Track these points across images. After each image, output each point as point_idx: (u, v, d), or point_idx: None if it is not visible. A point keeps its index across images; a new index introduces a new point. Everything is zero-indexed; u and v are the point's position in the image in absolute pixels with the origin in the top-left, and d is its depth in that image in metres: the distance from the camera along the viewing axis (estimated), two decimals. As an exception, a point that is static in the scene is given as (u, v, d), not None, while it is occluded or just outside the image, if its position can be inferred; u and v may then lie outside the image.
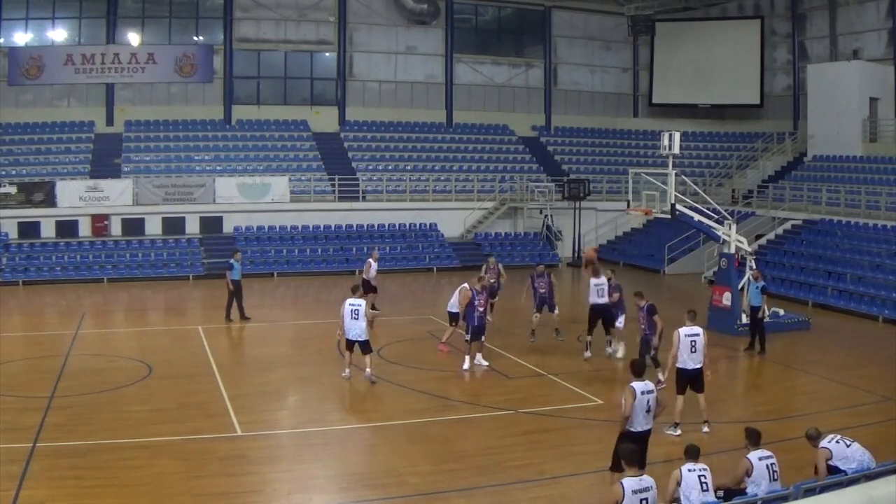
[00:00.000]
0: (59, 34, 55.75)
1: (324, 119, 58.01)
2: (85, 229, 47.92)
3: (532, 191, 53.78)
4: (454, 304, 27.12)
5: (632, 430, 15.01)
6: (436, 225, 52.13)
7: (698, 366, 19.31)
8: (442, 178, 54.92)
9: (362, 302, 23.23)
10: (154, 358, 26.76)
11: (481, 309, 25.00)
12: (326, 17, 58.26)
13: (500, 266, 33.18)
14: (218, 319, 33.00)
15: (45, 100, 54.48)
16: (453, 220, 52.56)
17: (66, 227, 47.56)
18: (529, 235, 53.52)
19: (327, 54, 59.39)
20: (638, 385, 15.26)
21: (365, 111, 59.19)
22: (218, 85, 56.65)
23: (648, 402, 15.23)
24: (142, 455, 17.97)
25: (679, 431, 19.22)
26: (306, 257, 48.02)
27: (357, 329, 22.87)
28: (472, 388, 22.27)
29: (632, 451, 12.54)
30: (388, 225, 51.59)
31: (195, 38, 57.36)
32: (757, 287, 28.42)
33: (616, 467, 14.53)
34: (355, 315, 22.86)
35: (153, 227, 48.79)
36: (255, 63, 58.21)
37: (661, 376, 22.00)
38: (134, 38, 55.23)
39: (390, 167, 55.58)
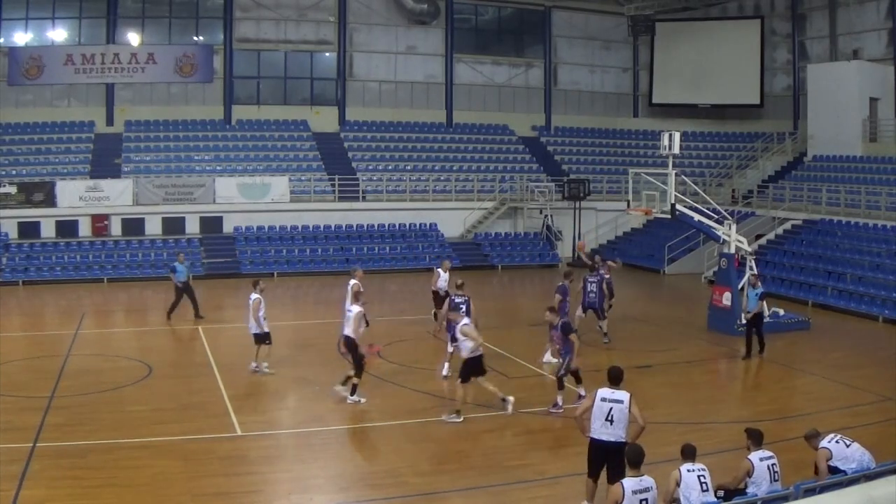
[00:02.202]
0: (59, 34, 55.75)
1: (324, 119, 58.02)
2: (85, 229, 47.93)
3: (532, 191, 53.78)
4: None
5: (592, 436, 14.72)
6: (436, 225, 52.15)
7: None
8: (442, 178, 54.95)
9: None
10: (154, 358, 26.78)
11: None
12: (326, 17, 58.27)
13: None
14: (218, 319, 33.06)
15: (45, 100, 54.47)
16: (453, 220, 52.60)
17: (66, 227, 47.57)
18: (529, 235, 53.53)
19: (327, 54, 59.39)
20: (602, 391, 14.70)
21: (365, 111, 59.20)
22: (218, 85, 56.65)
23: (611, 410, 14.44)
24: (142, 455, 17.98)
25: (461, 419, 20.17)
26: (306, 257, 48.01)
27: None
28: (472, 388, 22.25)
29: (637, 452, 12.53)
30: (388, 225, 51.62)
31: (195, 38, 57.35)
32: (756, 293, 27.95)
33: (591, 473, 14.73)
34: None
35: (153, 227, 48.82)
36: (255, 63, 58.20)
37: (581, 391, 21.48)
38: (134, 38, 55.23)
39: (390, 167, 55.59)
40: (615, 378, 14.79)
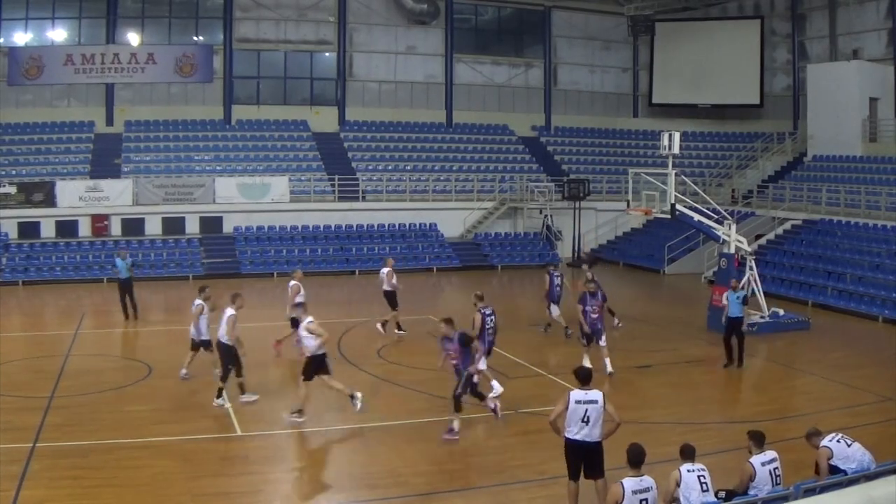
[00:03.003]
0: (58, 34, 55.78)
1: (323, 119, 58.03)
2: (85, 229, 47.95)
3: (532, 191, 53.79)
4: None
5: (567, 437, 14.69)
6: (436, 225, 52.16)
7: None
8: (442, 178, 54.96)
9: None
10: (154, 358, 26.77)
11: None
12: (326, 17, 58.30)
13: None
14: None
15: (44, 100, 54.48)
16: (453, 220, 52.62)
17: (66, 227, 47.59)
18: (529, 235, 53.53)
19: (327, 54, 59.41)
20: (575, 393, 14.62)
21: (365, 111, 59.21)
22: (218, 85, 56.66)
23: (587, 411, 14.40)
24: (142, 455, 18.00)
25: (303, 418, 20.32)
26: (306, 257, 47.98)
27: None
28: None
29: (639, 451, 12.56)
30: (388, 225, 51.63)
31: (195, 38, 57.36)
32: (737, 297, 27.08)
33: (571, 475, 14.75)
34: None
35: (153, 227, 48.84)
36: (254, 63, 58.21)
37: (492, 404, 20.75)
38: (134, 38, 55.25)
39: (390, 167, 55.60)
40: (585, 378, 14.77)
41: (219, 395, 21.62)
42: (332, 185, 52.25)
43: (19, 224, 47.02)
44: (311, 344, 20.23)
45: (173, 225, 49.06)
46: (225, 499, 16.12)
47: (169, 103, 55.92)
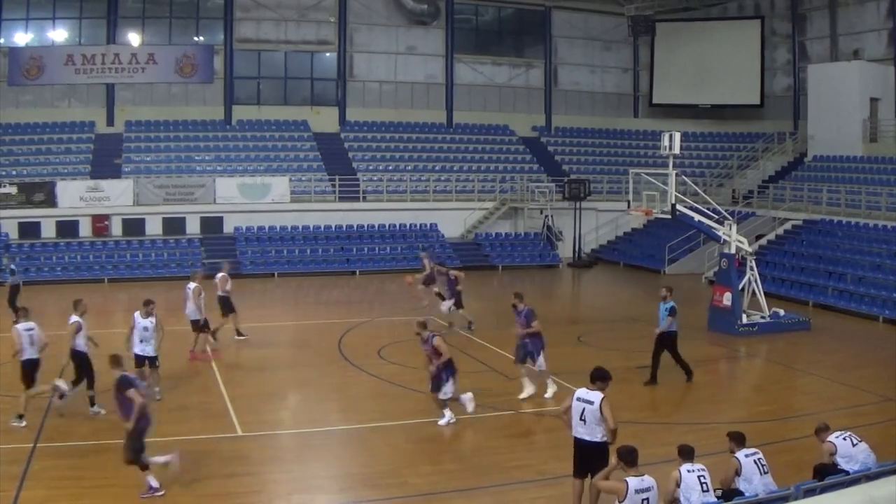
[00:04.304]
0: (59, 34, 55.82)
1: (324, 119, 58.02)
2: (85, 229, 47.98)
3: (532, 191, 53.77)
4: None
5: (573, 434, 14.66)
6: (436, 225, 52.14)
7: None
8: (442, 178, 54.93)
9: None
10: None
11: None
12: (327, 17, 58.30)
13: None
14: (217, 319, 32.99)
15: (45, 100, 54.50)
16: (454, 221, 52.58)
17: (67, 228, 47.62)
18: (530, 236, 53.47)
19: (327, 54, 59.40)
20: (579, 391, 14.66)
21: (365, 111, 59.18)
22: (218, 85, 56.66)
23: (584, 411, 14.39)
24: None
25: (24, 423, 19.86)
26: (307, 258, 48.01)
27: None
28: (473, 388, 22.20)
29: (630, 451, 12.56)
30: (389, 225, 51.59)
31: (195, 39, 57.35)
32: (666, 308, 24.52)
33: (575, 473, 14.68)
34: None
35: (154, 228, 48.86)
36: (255, 63, 58.23)
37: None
38: (134, 38, 55.29)
39: (391, 167, 55.59)
40: (592, 378, 14.72)
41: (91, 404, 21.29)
42: (333, 186, 52.25)
43: (20, 224, 47.02)
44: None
45: (174, 225, 49.07)
46: (226, 499, 16.11)
47: (169, 103, 55.93)
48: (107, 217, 48.24)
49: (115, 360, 17.22)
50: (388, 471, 17.42)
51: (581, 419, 14.39)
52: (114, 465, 17.17)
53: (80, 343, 21.02)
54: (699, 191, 37.44)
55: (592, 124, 63.51)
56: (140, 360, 21.91)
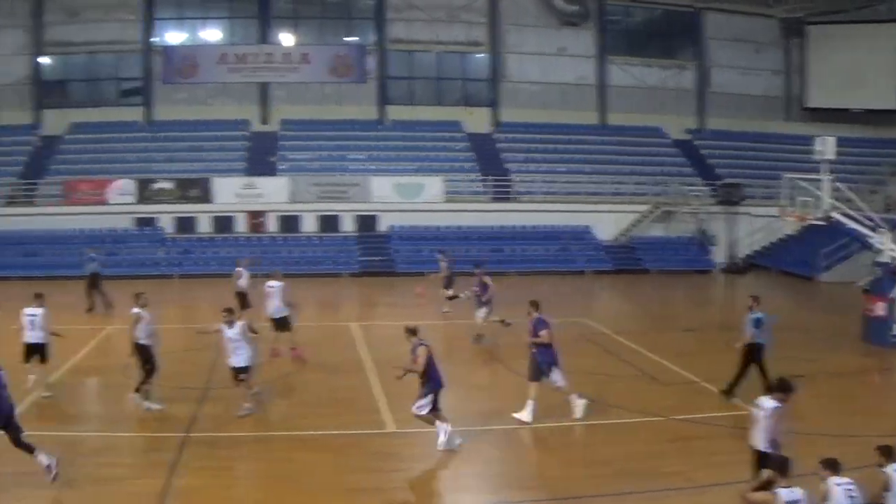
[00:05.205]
0: (212, 34, 57.17)
1: (477, 120, 57.94)
2: (241, 225, 48.70)
3: (685, 194, 52.75)
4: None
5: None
6: (589, 227, 51.44)
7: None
8: (595, 180, 54.19)
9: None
10: (307, 352, 26.81)
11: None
12: (477, 18, 58.15)
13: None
14: (371, 316, 33.06)
15: (199, 98, 55.79)
16: (606, 223, 51.75)
17: (223, 223, 48.45)
18: (683, 240, 52.43)
19: (479, 55, 59.28)
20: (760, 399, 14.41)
21: (517, 112, 58.78)
22: (371, 85, 57.14)
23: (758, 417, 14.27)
24: (292, 448, 18.04)
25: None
26: (459, 257, 47.64)
27: None
28: (625, 393, 21.67)
29: (782, 461, 12.15)
30: (542, 226, 50.99)
31: (348, 39, 57.83)
32: (752, 318, 22.53)
33: None
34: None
35: (309, 225, 49.47)
36: (407, 63, 58.55)
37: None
38: (287, 37, 56.14)
39: (543, 168, 55.02)
40: (772, 388, 14.61)
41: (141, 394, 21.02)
42: (486, 186, 52.03)
43: (175, 219, 48.04)
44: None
45: (329, 223, 49.58)
46: (373, 494, 16.01)
47: (323, 103, 56.57)
48: (262, 213, 48.94)
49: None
50: (538, 473, 17.17)
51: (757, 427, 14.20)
52: (264, 457, 17.22)
53: (142, 335, 20.77)
54: (853, 197, 36.16)
55: (743, 127, 61.58)
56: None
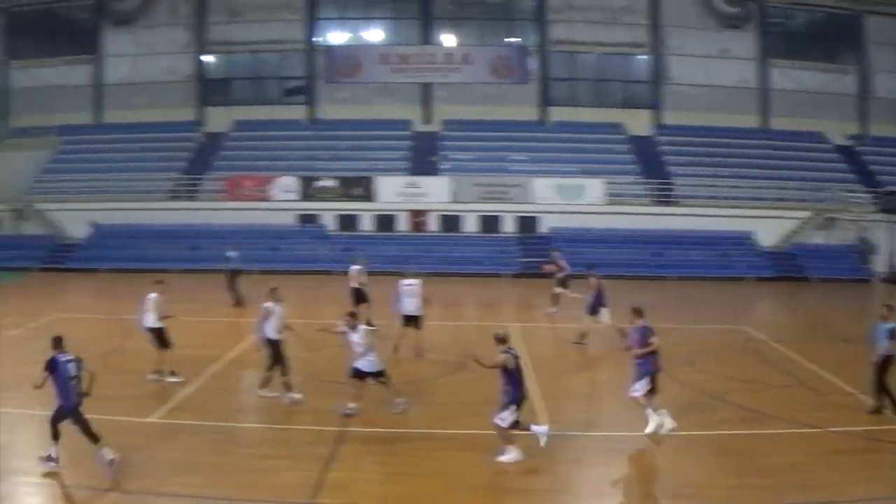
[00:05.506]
0: (374, 34, 57.97)
1: (638, 122, 57.58)
2: (403, 224, 49.24)
3: (846, 201, 51.20)
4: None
5: None
6: (750, 233, 50.49)
7: None
8: (756, 184, 53.11)
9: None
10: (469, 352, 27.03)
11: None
12: (638, 19, 57.76)
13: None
14: (532, 318, 33.01)
15: (362, 97, 56.72)
16: (767, 229, 50.69)
17: (385, 221, 49.07)
18: (844, 248, 50.93)
19: (640, 57, 58.87)
20: None
21: (678, 115, 58.17)
22: (533, 86, 57.33)
23: None
24: (447, 446, 18.16)
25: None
26: (619, 260, 47.39)
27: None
28: (783, 403, 21.24)
29: None
30: (702, 231, 50.16)
31: (510, 40, 57.95)
32: (887, 329, 20.91)
33: None
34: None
35: (470, 225, 49.83)
36: (568, 64, 58.52)
37: None
38: (448, 38, 56.56)
39: (705, 172, 54.21)
40: None
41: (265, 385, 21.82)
42: (647, 189, 51.58)
43: (338, 217, 48.84)
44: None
45: (490, 223, 49.86)
46: (526, 495, 16.05)
47: (484, 103, 56.91)
48: (424, 213, 49.43)
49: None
50: (689, 481, 16.81)
51: None
52: (419, 454, 17.35)
53: (270, 330, 21.29)
54: None
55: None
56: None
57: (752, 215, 50.92)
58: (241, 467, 16.85)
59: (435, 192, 50.12)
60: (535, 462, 17.50)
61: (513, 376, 17.32)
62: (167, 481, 16.07)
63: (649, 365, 19.43)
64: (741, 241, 50.19)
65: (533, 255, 46.33)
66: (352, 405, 19.90)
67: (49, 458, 16.26)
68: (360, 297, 31.13)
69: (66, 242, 51.68)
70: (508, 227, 50.31)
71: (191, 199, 52.43)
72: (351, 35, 58.95)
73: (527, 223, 50.21)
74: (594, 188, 50.70)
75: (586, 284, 29.50)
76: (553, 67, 57.83)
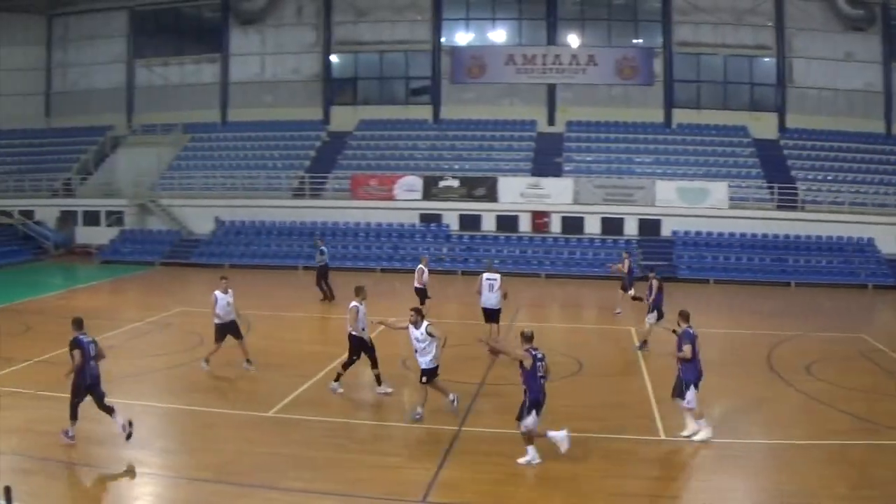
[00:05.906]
0: (499, 35, 58.23)
1: (763, 125, 56.78)
2: (525, 225, 49.42)
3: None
4: None
5: None
6: (873, 240, 49.19)
7: None
8: (881, 191, 51.93)
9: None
10: (585, 355, 27.13)
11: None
12: (763, 21, 56.94)
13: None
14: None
15: (487, 98, 57.06)
16: (890, 236, 49.30)
17: (507, 222, 49.36)
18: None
19: (765, 59, 58.06)
20: None
21: (803, 119, 57.19)
22: (658, 88, 56.98)
23: None
24: (576, 450, 17.83)
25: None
26: (742, 265, 47.00)
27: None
28: (864, 411, 21.00)
29: None
30: (825, 237, 49.30)
31: (635, 41, 57.73)
32: None
33: None
34: None
35: (592, 227, 49.82)
36: (693, 67, 57.95)
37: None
38: (573, 39, 56.55)
39: (829, 177, 53.19)
40: None
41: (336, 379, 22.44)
42: (771, 194, 50.94)
43: (460, 216, 49.21)
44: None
45: (612, 225, 49.84)
46: (639, 500, 16.10)
47: (609, 105, 56.87)
48: (546, 214, 49.60)
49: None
50: (803, 490, 16.67)
51: None
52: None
53: (356, 328, 22.00)
54: None
55: None
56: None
57: (875, 222, 49.70)
58: (357, 464, 17.25)
59: (557, 194, 50.14)
60: (651, 468, 17.63)
61: (530, 377, 17.46)
62: (283, 476, 16.57)
63: (691, 373, 19.18)
64: (863, 248, 48.97)
65: (654, 258, 46.08)
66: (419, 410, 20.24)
67: (66, 434, 17.69)
68: (422, 295, 31.66)
69: (190, 238, 53.03)
70: (631, 229, 50.09)
71: (315, 197, 53.30)
72: (476, 35, 59.32)
73: (649, 226, 49.93)
74: (718, 191, 50.23)
75: (646, 286, 29.22)
76: (678, 69, 57.41)
